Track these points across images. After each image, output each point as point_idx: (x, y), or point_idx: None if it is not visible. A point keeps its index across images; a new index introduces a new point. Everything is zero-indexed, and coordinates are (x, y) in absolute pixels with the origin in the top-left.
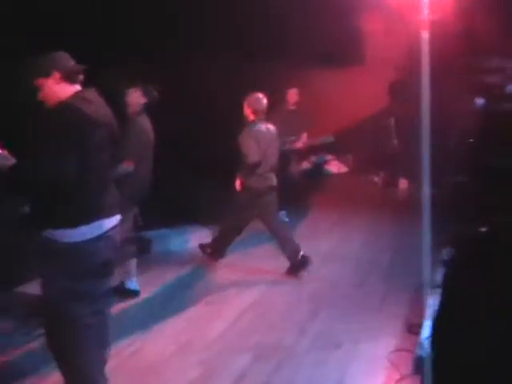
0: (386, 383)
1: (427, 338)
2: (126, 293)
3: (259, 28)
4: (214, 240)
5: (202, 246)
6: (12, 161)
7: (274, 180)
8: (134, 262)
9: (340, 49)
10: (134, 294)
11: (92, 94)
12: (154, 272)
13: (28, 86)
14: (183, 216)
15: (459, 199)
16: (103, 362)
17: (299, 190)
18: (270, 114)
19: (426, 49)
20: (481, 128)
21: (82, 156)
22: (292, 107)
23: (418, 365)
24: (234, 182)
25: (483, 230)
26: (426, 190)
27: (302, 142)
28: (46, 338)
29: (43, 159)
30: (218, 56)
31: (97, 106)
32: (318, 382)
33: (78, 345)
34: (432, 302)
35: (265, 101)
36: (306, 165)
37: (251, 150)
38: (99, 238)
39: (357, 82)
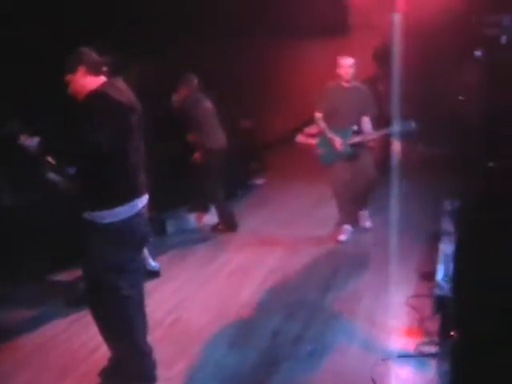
0: (411, 326)
1: (443, 279)
2: (147, 274)
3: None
4: (219, 215)
5: (213, 228)
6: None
7: None
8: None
9: (323, 18)
10: (155, 274)
11: (120, 82)
12: (173, 252)
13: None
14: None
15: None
16: (146, 333)
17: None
18: (319, 92)
19: None
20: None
21: (116, 140)
22: (348, 84)
23: (439, 304)
24: None
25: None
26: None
27: (370, 133)
28: (92, 313)
29: (84, 139)
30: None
31: (125, 93)
32: (349, 332)
33: (123, 315)
34: (443, 248)
35: (195, 80)
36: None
37: None
38: (134, 216)
39: (342, 51)
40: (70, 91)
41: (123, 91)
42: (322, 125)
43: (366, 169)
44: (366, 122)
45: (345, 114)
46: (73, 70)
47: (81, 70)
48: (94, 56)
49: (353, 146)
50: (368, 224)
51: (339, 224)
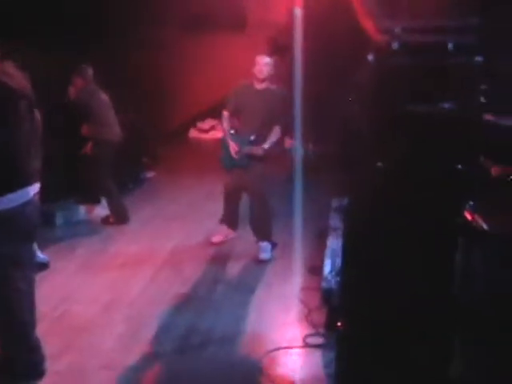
0: (298, 318)
1: (330, 273)
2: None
3: None
4: (111, 208)
5: (104, 220)
6: None
7: None
8: None
9: (218, 11)
10: (43, 266)
11: (10, 67)
12: (62, 244)
13: None
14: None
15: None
16: (34, 326)
17: None
18: (232, 93)
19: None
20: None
21: (9, 126)
22: (260, 85)
23: (325, 297)
24: None
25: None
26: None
27: (266, 145)
28: None
29: None
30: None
31: (17, 78)
32: (239, 323)
33: (13, 308)
34: (330, 244)
35: (90, 71)
36: None
37: None
38: (26, 203)
39: (237, 46)
40: None
41: (13, 76)
42: (226, 126)
43: (254, 183)
44: (274, 133)
45: (248, 119)
46: None
47: None
48: None
49: (247, 155)
50: (264, 256)
51: (220, 223)
